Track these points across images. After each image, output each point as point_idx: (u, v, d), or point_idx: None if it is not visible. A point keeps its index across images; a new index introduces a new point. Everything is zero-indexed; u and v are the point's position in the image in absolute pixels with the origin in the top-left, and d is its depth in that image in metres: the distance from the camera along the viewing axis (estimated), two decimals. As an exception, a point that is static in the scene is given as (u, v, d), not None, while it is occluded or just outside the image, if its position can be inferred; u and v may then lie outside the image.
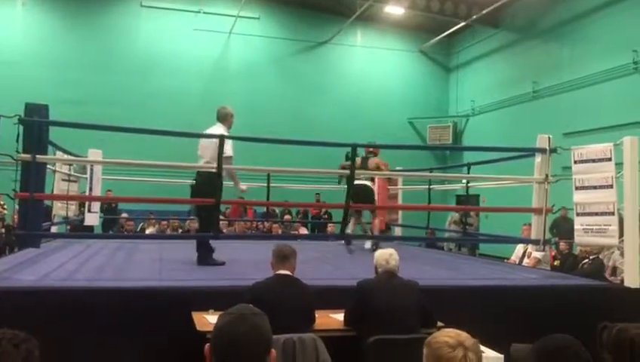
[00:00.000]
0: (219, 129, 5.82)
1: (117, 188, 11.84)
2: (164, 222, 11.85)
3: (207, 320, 3.71)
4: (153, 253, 6.85)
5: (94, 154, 7.57)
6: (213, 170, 5.24)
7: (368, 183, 7.95)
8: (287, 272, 3.93)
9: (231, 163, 5.69)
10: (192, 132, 6.27)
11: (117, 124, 6.38)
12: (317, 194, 13.51)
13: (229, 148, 5.48)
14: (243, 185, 6.32)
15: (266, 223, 12.34)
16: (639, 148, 5.27)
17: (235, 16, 16.63)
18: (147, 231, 11.63)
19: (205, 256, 5.79)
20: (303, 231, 12.64)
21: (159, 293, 4.32)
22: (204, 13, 17.18)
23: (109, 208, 12.61)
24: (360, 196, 7.16)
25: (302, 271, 4.27)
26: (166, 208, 13.03)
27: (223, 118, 6.09)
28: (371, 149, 7.95)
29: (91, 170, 7.88)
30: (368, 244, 8.35)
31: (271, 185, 9.11)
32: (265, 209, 11.72)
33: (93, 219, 8.27)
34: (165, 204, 11.65)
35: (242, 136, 6.77)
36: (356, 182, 6.53)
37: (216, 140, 5.25)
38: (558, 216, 9.04)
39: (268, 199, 9.11)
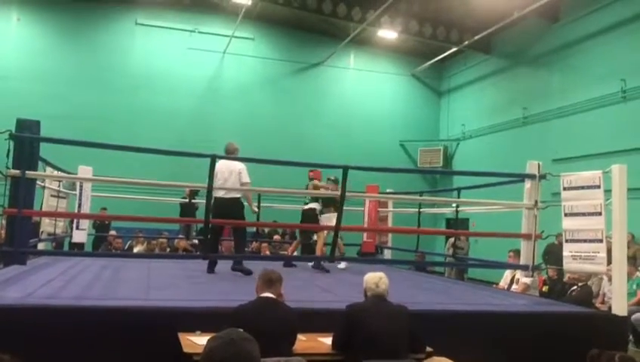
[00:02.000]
0: (238, 164, 6.76)
1: (109, 206, 11.82)
2: (154, 241, 11.78)
3: (194, 341, 3.67)
4: (141, 272, 6.79)
5: (84, 171, 7.54)
6: (238, 196, 6.72)
7: (314, 205, 8.50)
8: (273, 296, 3.89)
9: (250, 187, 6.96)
10: (183, 151, 6.27)
11: (108, 141, 6.36)
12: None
13: (247, 176, 6.74)
14: (255, 207, 7.50)
15: (255, 243, 12.29)
16: (628, 175, 5.33)
17: (229, 36, 16.74)
18: (135, 250, 11.55)
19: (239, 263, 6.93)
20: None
21: (146, 313, 4.28)
22: (199, 32, 17.28)
23: (102, 225, 12.52)
24: (304, 218, 8.49)
25: (290, 292, 4.25)
26: (155, 226, 12.97)
27: (233, 151, 6.90)
28: (311, 175, 8.46)
29: (81, 187, 7.84)
30: (342, 264, 8.63)
31: (262, 204, 9.10)
32: (254, 229, 11.69)
33: (81, 236, 8.21)
34: (154, 223, 11.58)
35: (235, 156, 6.76)
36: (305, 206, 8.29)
37: (236, 172, 6.59)
38: (552, 243, 9.05)
39: (258, 219, 9.09)
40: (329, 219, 8.12)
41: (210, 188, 5.30)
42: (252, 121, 17.27)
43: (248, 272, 6.67)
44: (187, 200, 11.40)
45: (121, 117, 15.86)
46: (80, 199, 7.89)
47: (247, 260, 8.16)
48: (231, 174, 6.66)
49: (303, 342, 3.94)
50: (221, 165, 6.55)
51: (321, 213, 8.56)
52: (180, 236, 12.04)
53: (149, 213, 9.95)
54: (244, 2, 15.47)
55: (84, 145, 5.52)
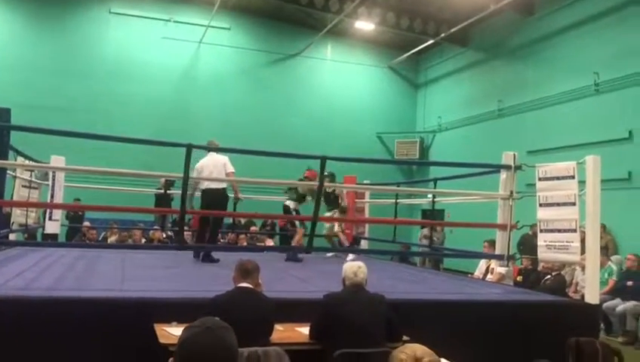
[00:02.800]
0: (222, 157, 7.25)
1: (83, 197, 11.64)
2: (125, 233, 11.64)
3: (170, 332, 3.64)
4: (116, 263, 6.71)
5: (57, 161, 7.41)
6: (224, 187, 7.25)
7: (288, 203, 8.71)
8: (250, 286, 3.87)
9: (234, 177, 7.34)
10: (158, 140, 6.17)
11: (82, 130, 6.24)
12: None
13: (231, 166, 7.24)
14: (240, 194, 7.87)
15: (232, 234, 12.23)
16: (601, 166, 5.41)
17: (205, 25, 16.55)
18: (110, 241, 11.41)
19: (207, 254, 7.29)
20: (269, 243, 12.56)
21: (121, 304, 4.22)
22: (175, 22, 17.05)
23: (75, 216, 12.34)
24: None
25: (269, 283, 4.23)
26: (130, 217, 12.82)
27: (216, 149, 7.16)
28: (307, 174, 8.52)
29: (53, 177, 7.71)
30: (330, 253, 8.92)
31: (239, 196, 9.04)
32: (231, 220, 11.62)
33: (54, 227, 8.08)
34: (129, 213, 11.46)
35: (211, 146, 6.70)
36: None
37: (221, 164, 7.11)
38: (526, 233, 9.16)
39: (235, 210, 9.04)
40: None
41: (186, 179, 5.24)
42: (228, 112, 17.14)
43: (215, 260, 7.23)
44: (162, 190, 11.28)
45: (95, 106, 15.60)
46: (53, 189, 7.75)
47: (227, 251, 8.17)
48: (216, 167, 7.15)
49: (281, 331, 3.93)
50: (207, 160, 7.22)
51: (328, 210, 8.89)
52: (155, 227, 11.92)
53: (124, 203, 9.84)
54: (220, -9, 15.30)
55: (56, 134, 5.43)
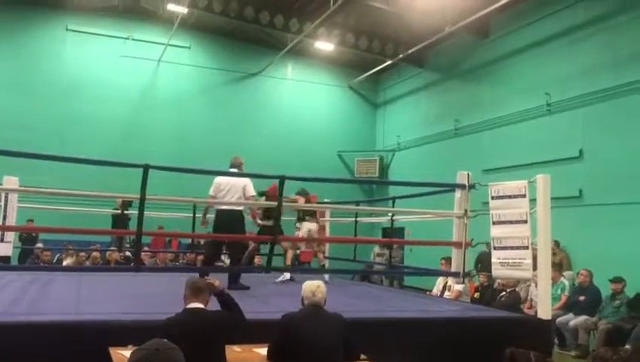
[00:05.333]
0: (244, 178, 7.01)
1: (37, 218, 11.34)
2: (83, 254, 11.38)
3: (126, 356, 3.58)
4: (71, 286, 6.56)
5: (9, 182, 7.23)
6: (241, 209, 6.96)
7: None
8: (200, 305, 3.80)
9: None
10: (114, 161, 6.10)
11: (36, 150, 6.11)
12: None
13: (252, 188, 6.99)
14: (259, 220, 7.72)
15: (190, 254, 12.10)
16: (554, 185, 5.58)
17: (164, 44, 16.47)
18: (65, 263, 11.13)
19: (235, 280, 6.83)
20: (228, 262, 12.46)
21: (75, 328, 4.14)
22: (133, 40, 16.90)
23: (29, 238, 11.99)
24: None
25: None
26: (85, 238, 12.54)
27: (239, 165, 7.22)
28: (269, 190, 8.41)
29: (6, 198, 7.51)
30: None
31: (197, 215, 8.97)
32: (190, 240, 11.50)
33: (6, 249, 7.85)
34: (84, 235, 11.21)
35: (168, 166, 6.63)
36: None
37: (241, 186, 6.82)
38: (483, 251, 9.32)
39: (193, 230, 8.97)
40: (309, 227, 8.28)
41: (142, 198, 5.18)
42: (187, 131, 17.04)
43: (245, 288, 6.77)
44: (119, 211, 11.09)
45: (49, 126, 15.27)
46: (5, 211, 7.55)
47: (186, 272, 8.07)
48: (235, 187, 6.93)
49: (238, 353, 3.92)
50: (226, 178, 6.97)
51: (302, 220, 8.52)
52: (112, 248, 11.70)
53: (79, 224, 9.63)
54: (180, 10, 15.28)
55: (6, 155, 5.28)
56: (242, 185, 6.93)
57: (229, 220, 6.80)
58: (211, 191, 7.02)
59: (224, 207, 6.91)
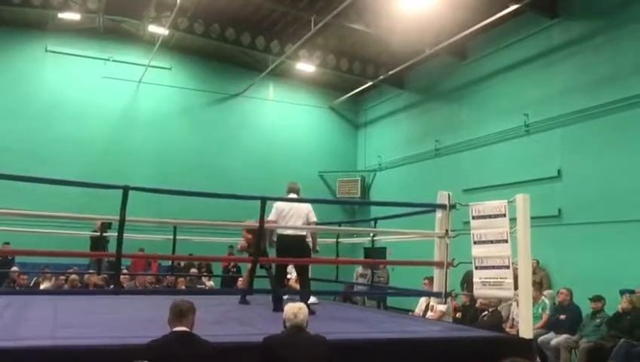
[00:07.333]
0: (305, 204, 7.07)
1: (12, 240, 11.14)
2: (62, 277, 11.17)
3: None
4: (48, 310, 6.42)
5: (-15, 204, 7.08)
6: (305, 234, 7.01)
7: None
8: (185, 329, 3.78)
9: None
10: (94, 182, 6.01)
11: (13, 172, 6.02)
12: (230, 246, 13.26)
13: (314, 215, 7.03)
14: (318, 246, 7.51)
15: (170, 277, 11.94)
16: (533, 204, 5.62)
17: (145, 65, 16.45)
18: (42, 286, 10.91)
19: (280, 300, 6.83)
20: (209, 284, 12.35)
21: (51, 353, 4.03)
22: (114, 61, 16.88)
23: (4, 261, 11.76)
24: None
25: (207, 327, 4.15)
26: (63, 261, 12.32)
27: (298, 191, 7.29)
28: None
29: (-19, 220, 7.38)
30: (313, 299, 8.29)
31: (178, 237, 8.88)
32: (170, 262, 11.37)
33: (-20, 273, 7.69)
34: (62, 257, 11.01)
35: (149, 187, 6.57)
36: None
37: (304, 212, 6.89)
38: (469, 270, 9.31)
39: (174, 252, 8.87)
40: None
41: (122, 220, 5.10)
42: (168, 152, 16.98)
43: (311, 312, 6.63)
44: (98, 233, 10.93)
45: (28, 147, 15.15)
46: (-20, 234, 7.41)
47: (166, 294, 7.93)
48: (298, 213, 6.95)
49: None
50: (288, 204, 7.01)
51: None
52: (91, 271, 11.50)
53: (57, 247, 9.47)
54: (160, 32, 15.31)
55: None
56: (306, 212, 6.99)
57: (296, 245, 6.92)
58: (273, 217, 6.93)
59: (289, 232, 6.95)
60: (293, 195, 7.18)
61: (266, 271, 8.21)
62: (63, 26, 16.02)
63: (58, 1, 14.54)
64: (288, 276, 8.60)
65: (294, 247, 6.87)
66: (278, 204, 6.98)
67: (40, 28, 16.12)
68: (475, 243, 5.88)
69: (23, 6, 14.60)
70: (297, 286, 9.08)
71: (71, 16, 15.24)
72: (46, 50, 16.28)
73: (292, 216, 6.95)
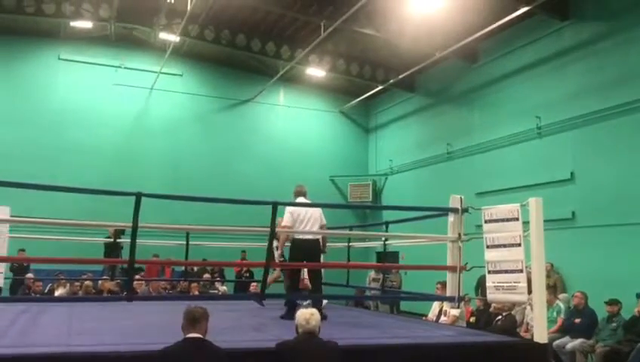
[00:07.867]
0: (317, 208, 7.10)
1: (28, 247, 11.23)
2: (77, 283, 11.24)
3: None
4: (62, 316, 6.46)
5: (0, 212, 7.16)
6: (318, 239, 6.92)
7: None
8: (198, 335, 3.79)
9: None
10: (106, 189, 6.06)
11: (27, 180, 6.08)
12: (243, 251, 13.29)
13: (324, 218, 7.05)
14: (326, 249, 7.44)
15: (184, 282, 11.98)
16: (546, 207, 5.58)
17: (157, 72, 16.56)
18: (57, 293, 10.99)
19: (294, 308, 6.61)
20: (223, 289, 12.37)
21: (66, 360, 4.06)
22: (125, 68, 17.02)
23: (20, 268, 11.86)
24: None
25: (220, 332, 4.16)
26: (77, 268, 12.41)
27: (305, 194, 7.19)
28: None
29: (-4, 227, 7.44)
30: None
31: (190, 243, 8.92)
32: (183, 268, 11.41)
33: (-4, 279, 7.75)
34: (76, 264, 11.09)
35: (161, 194, 6.61)
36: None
37: (318, 215, 6.86)
38: (483, 274, 9.24)
39: (187, 258, 8.90)
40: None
41: (135, 227, 5.13)
42: (180, 158, 17.06)
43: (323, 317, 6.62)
44: (112, 239, 11.01)
45: (41, 154, 15.28)
46: (-5, 241, 7.46)
47: (179, 300, 7.95)
48: (314, 216, 6.92)
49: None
50: (303, 208, 6.90)
51: None
52: (105, 277, 11.57)
53: (71, 254, 9.55)
54: (171, 39, 15.41)
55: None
56: (319, 215, 6.98)
57: (314, 249, 6.89)
58: (289, 223, 6.83)
59: (308, 237, 6.85)
60: (301, 198, 7.10)
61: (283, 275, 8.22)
62: (76, 34, 16.18)
63: (70, 9, 14.68)
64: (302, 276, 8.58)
65: (314, 252, 6.86)
66: (292, 209, 6.87)
67: (53, 36, 16.28)
68: (487, 247, 5.84)
69: (36, 15, 14.75)
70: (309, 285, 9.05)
71: (83, 24, 15.39)
72: (59, 58, 16.44)
73: (309, 221, 6.87)
